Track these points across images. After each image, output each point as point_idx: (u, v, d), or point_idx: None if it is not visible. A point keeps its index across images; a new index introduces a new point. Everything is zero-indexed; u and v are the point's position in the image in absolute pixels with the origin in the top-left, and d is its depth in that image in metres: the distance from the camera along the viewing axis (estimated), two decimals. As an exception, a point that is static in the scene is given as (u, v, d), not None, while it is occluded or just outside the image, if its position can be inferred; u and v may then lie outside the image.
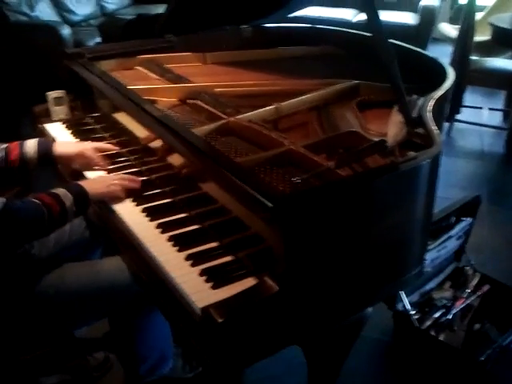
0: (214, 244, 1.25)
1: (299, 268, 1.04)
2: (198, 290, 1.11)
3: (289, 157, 1.31)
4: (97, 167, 1.58)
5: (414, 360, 1.91)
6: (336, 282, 1.12)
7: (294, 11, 2.37)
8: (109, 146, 1.67)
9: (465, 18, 3.33)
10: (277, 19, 2.39)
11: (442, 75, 1.72)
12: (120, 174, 1.49)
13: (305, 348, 1.24)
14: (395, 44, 2.03)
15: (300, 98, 1.64)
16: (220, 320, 0.98)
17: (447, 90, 1.61)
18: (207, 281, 1.13)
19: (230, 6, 2.11)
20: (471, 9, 3.32)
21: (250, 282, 1.11)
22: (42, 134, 1.94)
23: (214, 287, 1.11)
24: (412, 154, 1.18)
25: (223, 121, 1.50)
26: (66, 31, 4.02)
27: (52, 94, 1.97)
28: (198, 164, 1.29)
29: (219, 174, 1.17)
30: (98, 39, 4.27)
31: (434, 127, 1.29)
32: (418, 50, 1.96)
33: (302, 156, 1.28)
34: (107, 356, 1.80)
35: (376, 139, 1.39)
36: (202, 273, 1.15)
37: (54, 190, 1.28)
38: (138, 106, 1.52)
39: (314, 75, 1.91)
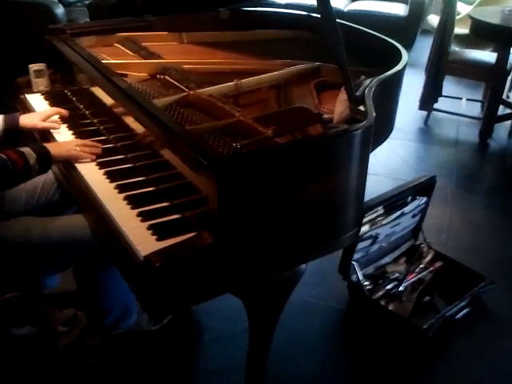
0: (164, 204, 1.37)
1: (231, 222, 1.16)
2: (143, 241, 1.23)
3: (238, 127, 1.44)
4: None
5: (366, 327, 2.04)
6: (267, 239, 1.23)
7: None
8: (64, 111, 1.82)
9: (444, 8, 3.43)
10: (253, 3, 2.49)
11: (397, 58, 1.83)
12: (83, 140, 1.62)
13: (243, 299, 1.37)
14: (356, 28, 2.17)
15: (260, 76, 1.76)
16: (157, 264, 1.10)
17: (397, 72, 1.72)
18: (153, 234, 1.25)
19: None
20: (451, 0, 3.41)
21: (190, 235, 1.23)
22: (23, 104, 2.06)
23: (159, 239, 1.23)
24: (345, 126, 1.30)
25: (184, 93, 1.62)
26: (59, 10, 4.10)
27: (33, 67, 2.07)
28: (152, 129, 1.40)
29: (167, 137, 1.29)
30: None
31: (371, 104, 1.40)
32: (379, 35, 2.07)
33: (249, 126, 1.41)
34: (76, 313, 1.93)
35: (327, 116, 1.52)
36: (150, 227, 1.27)
37: (19, 148, 1.41)
38: (107, 78, 1.64)
39: (282, 57, 2.02)
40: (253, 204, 1.18)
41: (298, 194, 1.24)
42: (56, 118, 1.81)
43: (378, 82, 1.57)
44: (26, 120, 1.71)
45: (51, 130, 1.75)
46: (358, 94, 1.49)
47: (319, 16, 1.44)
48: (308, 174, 1.24)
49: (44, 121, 1.73)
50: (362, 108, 1.43)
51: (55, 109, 1.83)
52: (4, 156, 1.36)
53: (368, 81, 1.59)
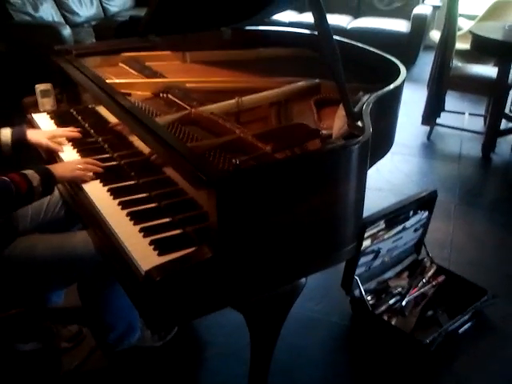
0: (166, 220, 1.40)
1: (231, 237, 1.18)
2: (145, 256, 1.25)
3: (238, 144, 1.46)
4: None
5: (369, 342, 2.04)
6: (266, 253, 1.25)
7: (271, 15, 2.52)
8: (74, 134, 1.85)
9: (445, 24, 3.47)
10: (255, 22, 2.53)
11: (395, 74, 1.87)
12: (85, 159, 1.66)
13: (244, 313, 1.39)
14: (355, 45, 2.20)
15: (260, 94, 1.79)
16: (158, 278, 1.13)
17: (396, 87, 1.75)
18: (154, 249, 1.28)
19: (211, 10, 2.26)
20: (452, 15, 3.45)
21: (191, 250, 1.25)
22: (31, 124, 2.10)
23: (160, 254, 1.26)
24: (342, 141, 1.33)
25: (186, 111, 1.65)
26: (66, 31, 4.20)
27: (39, 87, 2.12)
28: (155, 146, 1.43)
29: (169, 154, 1.31)
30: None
31: (368, 120, 1.43)
32: (377, 51, 2.11)
33: (249, 143, 1.43)
34: (80, 329, 1.94)
35: (326, 132, 1.55)
36: (151, 242, 1.30)
37: (23, 171, 1.46)
38: (111, 98, 1.67)
39: (283, 75, 2.05)
40: (252, 219, 1.20)
41: (297, 209, 1.27)
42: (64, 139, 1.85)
43: (375, 97, 1.60)
44: (31, 135, 1.77)
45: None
46: (355, 109, 1.52)
47: (317, 33, 1.47)
48: (306, 189, 1.26)
49: (50, 140, 1.76)
50: (359, 124, 1.46)
51: (65, 131, 1.86)
52: (7, 179, 1.39)
53: (366, 97, 1.62)
